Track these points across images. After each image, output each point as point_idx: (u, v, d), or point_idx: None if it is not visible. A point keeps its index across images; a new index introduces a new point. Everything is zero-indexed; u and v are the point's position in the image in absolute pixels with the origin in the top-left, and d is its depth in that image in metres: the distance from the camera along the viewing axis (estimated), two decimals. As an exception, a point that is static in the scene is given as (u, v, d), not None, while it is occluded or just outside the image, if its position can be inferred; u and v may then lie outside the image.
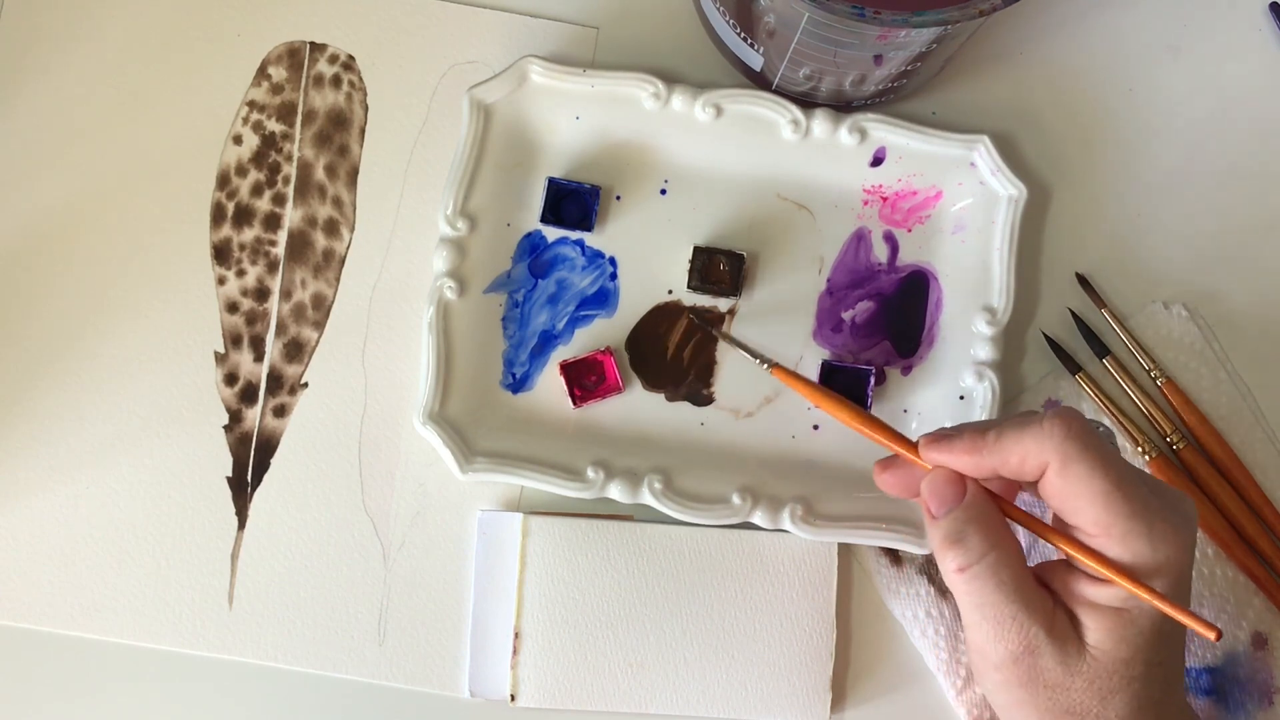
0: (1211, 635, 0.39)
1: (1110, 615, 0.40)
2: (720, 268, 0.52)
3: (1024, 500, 0.50)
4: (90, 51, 0.54)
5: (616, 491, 0.50)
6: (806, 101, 0.52)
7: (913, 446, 0.43)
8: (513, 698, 0.50)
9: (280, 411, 0.52)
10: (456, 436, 0.50)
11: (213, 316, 0.53)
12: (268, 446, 0.52)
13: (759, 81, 0.52)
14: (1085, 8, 0.55)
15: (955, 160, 0.52)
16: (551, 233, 0.53)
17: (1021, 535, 0.49)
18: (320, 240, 0.53)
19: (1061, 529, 0.41)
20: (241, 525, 0.52)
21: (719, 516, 0.51)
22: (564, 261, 0.53)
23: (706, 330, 0.52)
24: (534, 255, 0.53)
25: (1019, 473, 0.41)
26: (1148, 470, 0.52)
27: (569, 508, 0.52)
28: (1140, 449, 0.52)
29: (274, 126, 0.53)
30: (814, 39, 0.45)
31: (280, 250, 0.53)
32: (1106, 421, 0.52)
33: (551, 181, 0.52)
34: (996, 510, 0.42)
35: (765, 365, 0.48)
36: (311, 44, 0.54)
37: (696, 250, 0.52)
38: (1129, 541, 0.39)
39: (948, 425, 0.48)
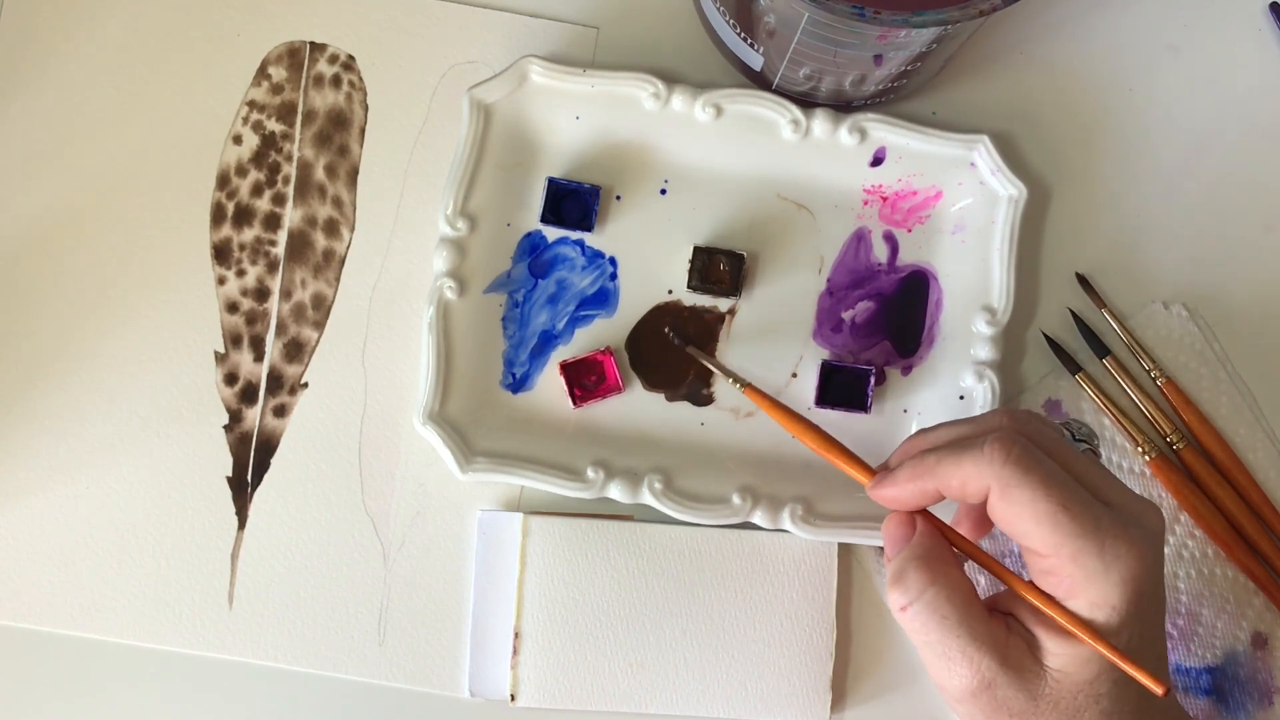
0: (1159, 690, 0.38)
1: (1070, 637, 0.40)
2: (720, 268, 0.52)
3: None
4: (90, 51, 0.54)
5: (616, 491, 0.50)
6: (806, 101, 0.52)
7: (873, 474, 0.43)
8: (513, 698, 0.50)
9: (280, 411, 0.52)
10: (456, 436, 0.50)
11: (213, 316, 0.53)
12: (268, 446, 0.52)
13: (759, 81, 0.52)
14: (1085, 8, 0.55)
15: (955, 160, 0.52)
16: (551, 233, 0.53)
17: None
18: (320, 240, 0.53)
19: (1026, 565, 0.41)
20: (241, 525, 0.52)
21: (719, 516, 0.51)
22: (564, 261, 0.53)
23: (682, 346, 0.51)
24: (534, 255, 0.53)
25: (962, 496, 0.40)
26: (1147, 469, 0.52)
27: (569, 508, 0.52)
28: (1140, 449, 0.52)
29: (274, 126, 0.53)
30: (814, 39, 0.45)
31: (280, 250, 0.53)
32: (1088, 420, 0.52)
33: (551, 181, 0.52)
34: (944, 548, 0.42)
35: (739, 385, 0.47)
36: (311, 44, 0.54)
37: (696, 250, 0.52)
38: (1080, 560, 0.38)
39: (916, 431, 0.49)
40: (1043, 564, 0.40)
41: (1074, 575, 0.39)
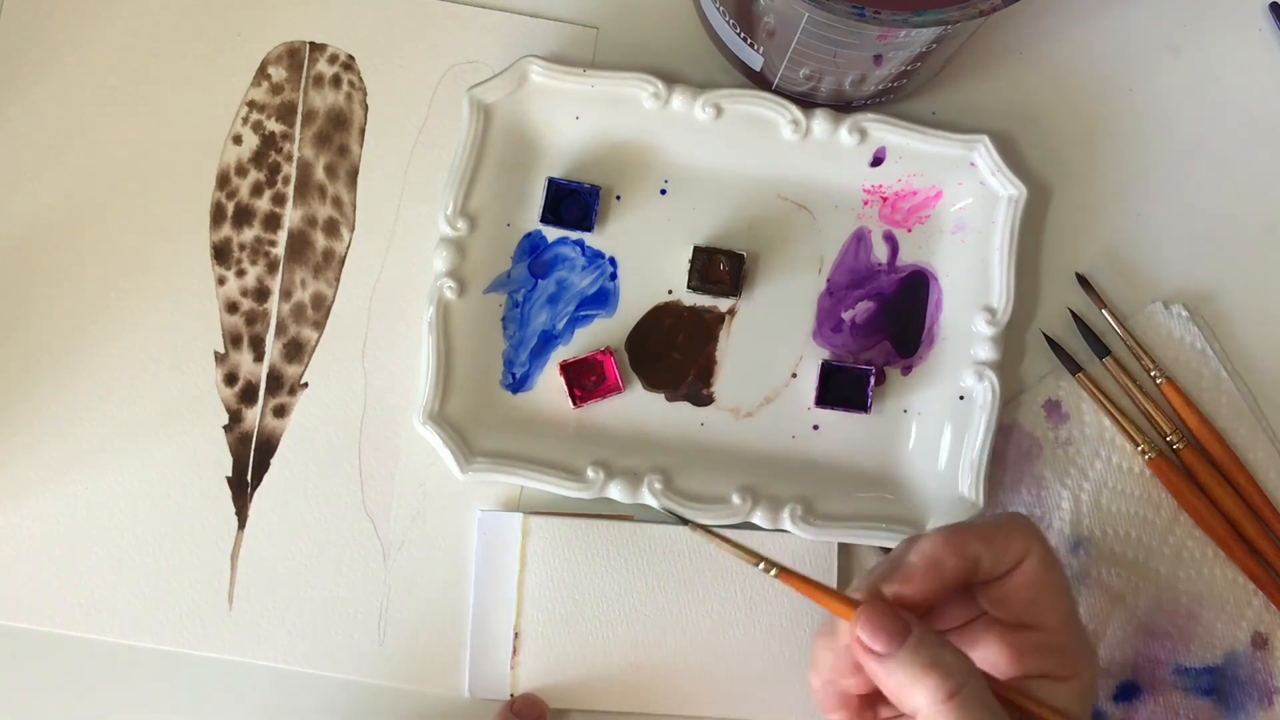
0: None
1: None
2: (720, 268, 0.52)
3: None
4: (90, 51, 0.54)
5: (616, 491, 0.50)
6: (806, 101, 0.52)
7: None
8: (512, 698, 0.50)
9: (280, 411, 0.52)
10: (456, 436, 0.50)
11: (213, 316, 0.53)
12: (268, 446, 0.52)
13: (759, 81, 0.52)
14: (1085, 8, 0.55)
15: (955, 160, 0.52)
16: (551, 233, 0.53)
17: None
18: (320, 240, 0.53)
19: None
20: (241, 525, 0.52)
21: (719, 516, 0.50)
22: (564, 261, 0.53)
23: (681, 520, 0.44)
24: (534, 255, 0.53)
25: (995, 561, 0.39)
26: (1147, 469, 0.52)
27: (569, 508, 0.52)
28: (1140, 449, 0.52)
29: (274, 126, 0.53)
30: (814, 39, 0.45)
31: (280, 250, 0.53)
32: (1087, 421, 0.52)
33: (551, 181, 0.52)
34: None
35: (763, 566, 0.40)
36: (311, 44, 0.54)
37: (696, 250, 0.52)
38: (1081, 640, 0.40)
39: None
40: (1033, 639, 0.39)
41: (1077, 653, 0.39)
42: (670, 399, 0.52)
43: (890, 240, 0.53)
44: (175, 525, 0.52)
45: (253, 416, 0.52)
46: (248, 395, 0.52)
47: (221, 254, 0.53)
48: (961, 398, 0.51)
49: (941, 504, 0.51)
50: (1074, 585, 0.52)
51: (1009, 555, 0.39)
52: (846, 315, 0.53)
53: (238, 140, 0.53)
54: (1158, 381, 0.52)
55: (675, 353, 0.53)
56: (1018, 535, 0.39)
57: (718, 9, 0.49)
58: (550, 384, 0.52)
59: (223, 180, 0.53)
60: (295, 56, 0.54)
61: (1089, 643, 0.40)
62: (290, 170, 0.53)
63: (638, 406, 0.52)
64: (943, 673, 0.35)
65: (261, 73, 0.54)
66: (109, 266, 0.53)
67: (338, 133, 0.54)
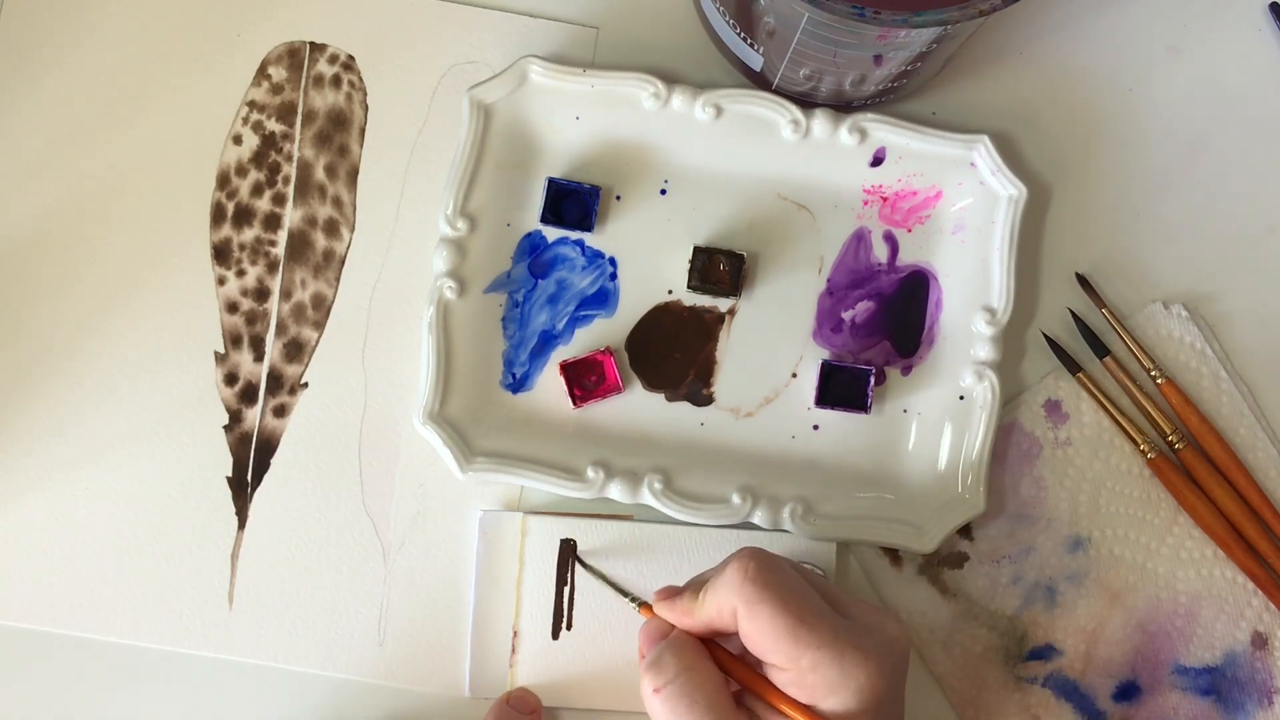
0: None
1: None
2: (720, 268, 0.52)
3: None
4: (90, 51, 0.54)
5: (616, 491, 0.50)
6: (806, 101, 0.52)
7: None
8: (507, 692, 0.50)
9: (280, 411, 0.52)
10: (456, 436, 0.50)
11: (213, 316, 0.53)
12: (268, 446, 0.52)
13: (759, 81, 0.52)
14: (1085, 8, 0.55)
15: (955, 160, 0.52)
16: (551, 233, 0.53)
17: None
18: (320, 240, 0.53)
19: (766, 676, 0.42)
20: (241, 525, 0.52)
21: (719, 516, 0.51)
22: (564, 261, 0.53)
23: (585, 566, 0.51)
24: (534, 255, 0.53)
25: (729, 625, 0.41)
26: (1146, 469, 0.52)
27: (569, 508, 0.52)
28: (1140, 449, 0.52)
29: (274, 126, 0.53)
30: (814, 39, 0.45)
31: (280, 250, 0.53)
32: (1086, 422, 0.52)
33: (551, 181, 0.52)
34: (698, 645, 0.43)
35: (635, 604, 0.46)
36: (311, 44, 0.54)
37: (696, 250, 0.52)
38: (820, 669, 0.40)
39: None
40: (783, 678, 0.41)
41: (815, 684, 0.40)
42: (670, 399, 0.52)
43: (890, 240, 0.53)
44: (175, 525, 0.52)
45: (253, 416, 0.52)
46: (248, 395, 0.52)
47: (221, 254, 0.53)
48: (961, 398, 0.52)
49: (941, 504, 0.51)
50: (1073, 585, 0.52)
51: (725, 618, 0.41)
52: (846, 315, 0.53)
53: (238, 140, 0.53)
54: (1157, 381, 0.52)
55: (675, 353, 0.53)
56: (724, 600, 0.41)
57: (718, 9, 0.49)
58: (550, 384, 0.52)
59: (223, 180, 0.53)
60: (295, 56, 0.54)
61: (835, 671, 0.40)
62: (290, 170, 0.53)
63: (638, 406, 0.52)
64: (655, 671, 0.42)
65: (261, 73, 0.54)
66: (109, 266, 0.53)
67: (338, 133, 0.54)
